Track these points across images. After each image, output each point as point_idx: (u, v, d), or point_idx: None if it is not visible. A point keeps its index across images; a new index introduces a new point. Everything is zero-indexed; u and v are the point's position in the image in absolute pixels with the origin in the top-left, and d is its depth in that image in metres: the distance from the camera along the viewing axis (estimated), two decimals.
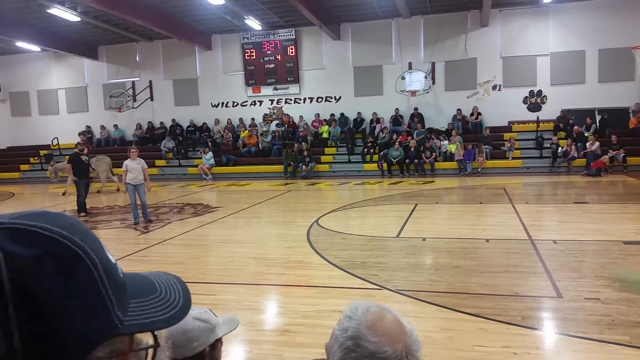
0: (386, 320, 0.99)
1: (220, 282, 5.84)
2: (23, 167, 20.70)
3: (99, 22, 17.54)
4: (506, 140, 17.29)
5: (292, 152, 17.77)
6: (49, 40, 19.23)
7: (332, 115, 19.59)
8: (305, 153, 17.63)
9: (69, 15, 16.14)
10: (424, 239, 7.39)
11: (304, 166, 17.42)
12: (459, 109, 18.40)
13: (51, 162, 17.31)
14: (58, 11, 15.68)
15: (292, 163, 17.66)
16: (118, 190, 15.06)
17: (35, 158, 21.07)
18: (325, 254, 6.72)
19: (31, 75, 22.58)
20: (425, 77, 18.44)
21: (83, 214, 11.05)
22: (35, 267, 0.53)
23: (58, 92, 22.52)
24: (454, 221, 9.19)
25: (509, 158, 16.73)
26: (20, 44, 19.45)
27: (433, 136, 17.52)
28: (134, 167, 9.72)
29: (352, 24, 19.12)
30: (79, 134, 18.76)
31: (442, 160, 16.93)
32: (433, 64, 18.66)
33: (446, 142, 17.26)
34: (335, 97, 19.93)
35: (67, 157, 13.46)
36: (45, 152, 21.32)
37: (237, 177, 17.96)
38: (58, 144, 21.34)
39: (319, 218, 9.40)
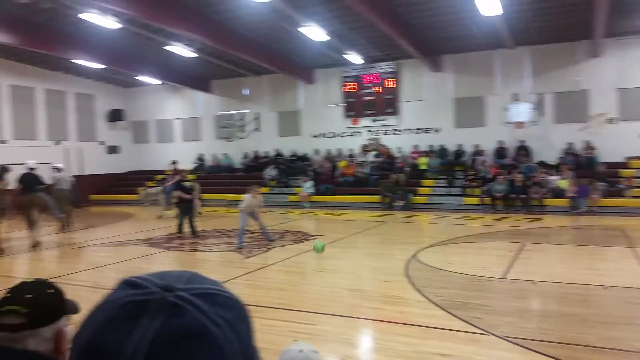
0: None
1: (318, 312, 5.91)
2: (139, 189, 22.57)
3: (212, 58, 18.92)
4: (623, 178, 15.90)
5: (389, 183, 17.72)
6: (168, 75, 21.09)
7: (431, 146, 19.31)
8: (403, 184, 17.47)
9: (186, 52, 17.61)
10: (533, 282, 6.94)
11: (401, 197, 17.26)
12: (569, 143, 17.31)
13: (144, 188, 18.61)
14: (176, 48, 17.17)
15: (389, 194, 17.58)
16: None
17: (151, 182, 22.90)
18: (425, 291, 6.56)
19: (151, 106, 24.78)
20: (532, 109, 17.62)
21: (193, 235, 11.81)
22: (234, 329, 0.59)
23: (174, 122, 24.45)
24: (566, 264, 8.56)
25: (626, 197, 15.35)
26: (143, 77, 21.53)
27: (542, 170, 16.58)
28: (254, 204, 10.61)
29: (453, 55, 18.89)
30: (171, 163, 20.10)
31: (552, 196, 15.92)
32: (540, 96, 17.82)
33: (556, 177, 16.24)
34: (434, 128, 19.66)
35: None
36: (160, 177, 23.09)
37: (334, 206, 18.20)
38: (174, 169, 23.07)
39: (417, 252, 9.21)
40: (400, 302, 6.21)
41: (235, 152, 22.84)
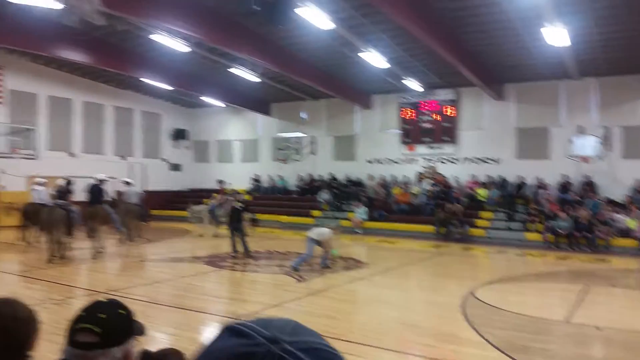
0: None
1: (368, 344, 5.77)
2: (196, 207, 23.16)
3: (273, 82, 19.38)
4: None
5: (444, 213, 17.31)
6: (230, 97, 21.78)
7: (490, 177, 18.78)
8: (459, 215, 17.03)
9: (249, 76, 18.13)
10: (597, 328, 6.52)
11: (457, 229, 16.81)
12: (638, 180, 16.35)
13: (191, 206, 19.05)
14: (240, 72, 17.72)
15: (444, 224, 17.17)
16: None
17: (209, 200, 23.49)
18: (482, 330, 6.28)
19: (213, 127, 25.60)
20: (599, 143, 16.83)
21: (233, 254, 11.99)
22: None
23: (233, 142, 25.11)
24: (635, 310, 8.00)
25: None
26: (207, 99, 22.31)
27: (609, 208, 15.72)
28: (329, 239, 10.56)
29: (517, 84, 18.43)
30: (218, 182, 20.51)
31: (619, 236, 15.02)
32: (607, 129, 17.01)
33: (624, 215, 15.33)
34: (494, 158, 19.15)
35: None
36: (210, 197, 23.67)
37: (387, 233, 17.97)
38: (231, 189, 23.61)
39: (474, 289, 8.88)
40: (455, 341, 5.97)
41: (291, 174, 23.11)
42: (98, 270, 11.04)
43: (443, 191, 19.13)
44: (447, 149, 19.93)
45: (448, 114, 19.78)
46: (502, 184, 18.58)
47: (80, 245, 12.63)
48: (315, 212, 20.46)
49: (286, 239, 16.54)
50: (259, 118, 24.13)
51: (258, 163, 24.30)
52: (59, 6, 9.82)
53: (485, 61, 16.23)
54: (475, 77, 16.21)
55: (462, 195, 18.50)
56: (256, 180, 23.79)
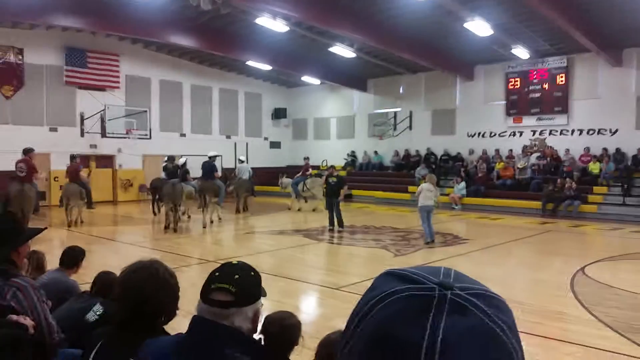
0: None
1: None
2: (285, 180, 23.87)
3: (370, 57, 19.24)
4: None
5: (553, 188, 16.30)
6: (328, 75, 21.98)
7: (605, 150, 17.31)
8: (570, 190, 15.95)
9: (346, 52, 18.15)
10: None
11: (567, 204, 15.78)
12: None
13: (281, 178, 19.56)
14: (338, 49, 17.79)
15: (553, 200, 16.18)
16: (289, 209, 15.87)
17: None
18: (593, 309, 5.93)
19: (310, 105, 26.05)
20: None
21: (340, 228, 12.25)
22: (515, 336, 0.58)
23: (330, 120, 25.41)
24: None
25: None
26: (305, 78, 22.72)
27: None
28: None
29: (637, 49, 16.66)
30: (304, 158, 20.61)
31: None
32: None
33: None
34: (610, 129, 17.59)
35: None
36: (315, 172, 24.19)
37: (488, 209, 17.31)
38: (327, 165, 24.03)
39: (584, 266, 8.35)
40: (565, 319, 5.70)
41: (387, 150, 22.96)
42: (207, 240, 11.88)
43: (552, 165, 18.00)
44: (558, 120, 18.64)
45: (559, 82, 18.44)
46: (619, 157, 17.07)
47: (194, 216, 13.65)
48: (412, 188, 20.18)
49: (381, 214, 16.58)
50: (355, 94, 24.14)
51: (354, 139, 24.40)
52: None
53: (602, 25, 14.82)
54: (590, 42, 14.92)
55: (573, 169, 17.28)
56: (352, 156, 23.94)
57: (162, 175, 13.68)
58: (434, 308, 0.55)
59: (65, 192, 12.99)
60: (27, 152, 11.32)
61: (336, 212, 12.37)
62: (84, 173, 13.72)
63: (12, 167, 17.00)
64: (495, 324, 0.55)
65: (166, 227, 12.26)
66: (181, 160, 13.64)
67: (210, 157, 14.10)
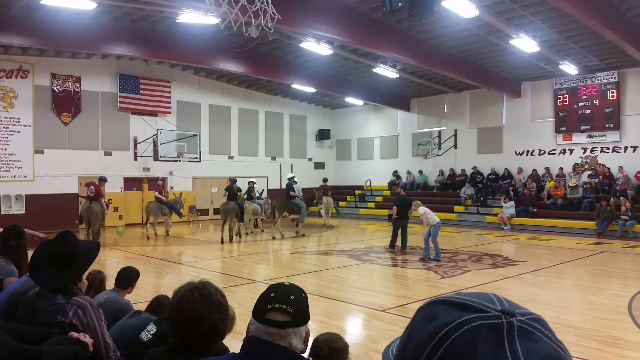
0: None
1: None
2: (341, 203, 23.92)
3: (413, 77, 19.23)
4: None
5: (607, 208, 15.65)
6: (371, 95, 22.10)
7: None
8: (624, 209, 15.27)
9: (390, 73, 18.23)
10: None
11: (621, 224, 15.09)
12: None
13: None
14: (381, 70, 17.90)
15: (606, 220, 15.52)
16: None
17: (351, 197, 24.15)
18: None
19: (354, 125, 26.19)
20: None
21: (391, 249, 12.24)
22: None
23: (374, 140, 25.43)
24: None
25: None
26: (349, 99, 22.93)
27: None
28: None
29: None
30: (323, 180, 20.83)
31: None
32: None
33: None
34: None
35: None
36: (359, 192, 24.23)
37: (538, 230, 16.79)
38: (370, 185, 24.04)
39: None
40: (622, 345, 5.45)
41: (431, 169, 22.72)
42: (254, 261, 12.05)
43: (604, 183, 17.33)
44: (610, 137, 17.98)
45: (609, 98, 17.84)
46: None
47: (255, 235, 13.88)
48: (458, 208, 19.88)
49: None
50: (399, 114, 24.12)
51: (397, 159, 24.29)
52: (216, 21, 10.87)
53: None
54: None
55: (627, 188, 16.56)
56: (396, 176, 23.80)
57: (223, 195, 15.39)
58: (505, 335, 0.58)
59: (147, 208, 15.77)
60: (100, 180, 13.74)
61: (404, 232, 12.47)
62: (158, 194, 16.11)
63: (72, 190, 18.01)
64: (558, 346, 0.60)
65: (222, 241, 14.00)
66: (251, 181, 16.51)
67: (289, 179, 16.02)
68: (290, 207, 15.38)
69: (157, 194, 15.97)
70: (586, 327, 6.15)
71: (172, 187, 20.69)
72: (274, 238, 14.85)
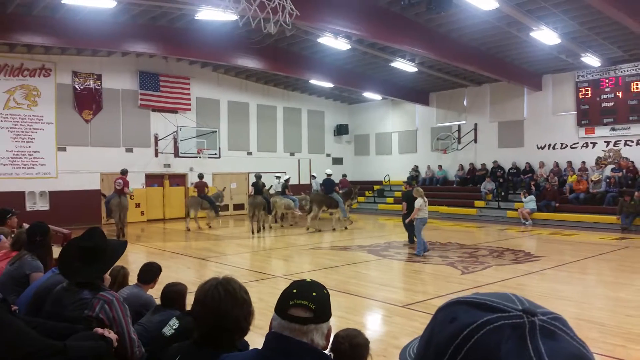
0: None
1: None
2: (360, 199, 23.86)
3: (432, 71, 19.06)
4: None
5: (630, 202, 15.34)
6: (389, 90, 21.96)
7: None
8: None
9: (408, 67, 18.08)
10: None
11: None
12: None
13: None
14: (399, 64, 17.77)
15: (631, 214, 15.21)
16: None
17: (370, 192, 24.07)
18: None
19: (372, 120, 26.09)
20: None
21: (410, 244, 12.26)
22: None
23: (392, 134, 25.30)
24: None
25: None
26: (367, 94, 22.82)
27: None
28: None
29: None
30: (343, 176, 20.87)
31: None
32: None
33: None
34: None
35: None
36: (377, 187, 24.15)
37: (560, 225, 16.54)
38: (389, 180, 23.94)
39: None
40: None
41: (451, 164, 22.53)
42: (275, 256, 12.11)
43: (628, 177, 16.98)
44: (634, 130, 17.60)
45: (633, 90, 17.45)
46: None
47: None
48: (479, 203, 19.69)
49: (447, 229, 16.25)
50: (418, 108, 23.94)
51: (416, 154, 24.13)
52: (234, 18, 10.90)
53: None
54: None
55: None
56: (415, 170, 23.65)
57: (251, 190, 16.04)
58: (528, 335, 0.58)
59: (187, 202, 16.82)
60: (123, 172, 14.66)
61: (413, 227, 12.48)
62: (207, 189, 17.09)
63: (94, 187, 18.31)
64: (581, 345, 0.60)
65: (253, 232, 15.02)
66: (284, 177, 17.64)
67: (328, 175, 16.80)
68: (329, 201, 15.99)
69: (206, 189, 16.83)
70: (611, 323, 6.04)
71: (192, 183, 20.87)
72: (307, 229, 15.67)
